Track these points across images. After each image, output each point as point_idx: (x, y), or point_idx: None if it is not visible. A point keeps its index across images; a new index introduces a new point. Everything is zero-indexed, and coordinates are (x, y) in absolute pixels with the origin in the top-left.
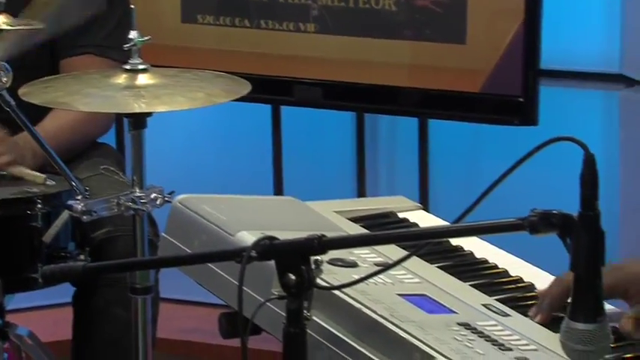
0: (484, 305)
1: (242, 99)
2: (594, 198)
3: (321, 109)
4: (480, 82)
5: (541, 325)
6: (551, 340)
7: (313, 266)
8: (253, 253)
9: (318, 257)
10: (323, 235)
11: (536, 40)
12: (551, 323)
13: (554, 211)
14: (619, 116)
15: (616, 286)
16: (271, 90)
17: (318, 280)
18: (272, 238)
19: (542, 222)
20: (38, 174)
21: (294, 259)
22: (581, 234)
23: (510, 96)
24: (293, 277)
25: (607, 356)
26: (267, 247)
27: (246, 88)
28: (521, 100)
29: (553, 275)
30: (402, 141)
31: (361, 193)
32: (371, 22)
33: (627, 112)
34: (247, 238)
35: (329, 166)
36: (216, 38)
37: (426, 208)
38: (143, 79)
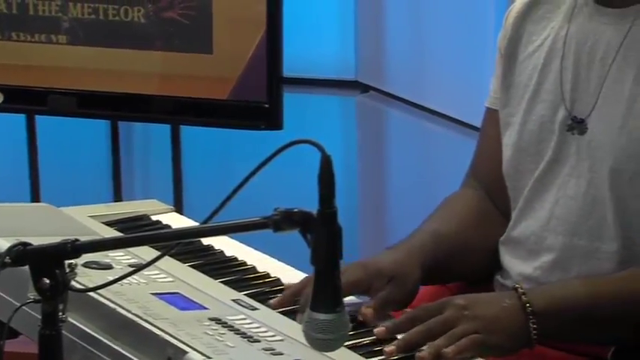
0: (234, 300)
1: None
2: (331, 196)
3: (76, 117)
4: (227, 89)
5: (286, 316)
6: (296, 330)
7: (67, 270)
8: (7, 259)
9: (72, 261)
10: (76, 240)
11: (279, 49)
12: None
13: (295, 210)
14: (356, 120)
15: (360, 282)
16: (25, 100)
17: (73, 283)
18: (26, 244)
19: (284, 220)
20: None
21: (48, 263)
22: (320, 230)
23: (256, 102)
24: (47, 280)
25: (346, 343)
26: (21, 253)
27: None
28: (266, 105)
29: (297, 270)
30: (156, 146)
31: (117, 197)
32: (121, 33)
33: (363, 117)
34: (1, 244)
35: (86, 173)
36: None
37: (180, 211)
38: None
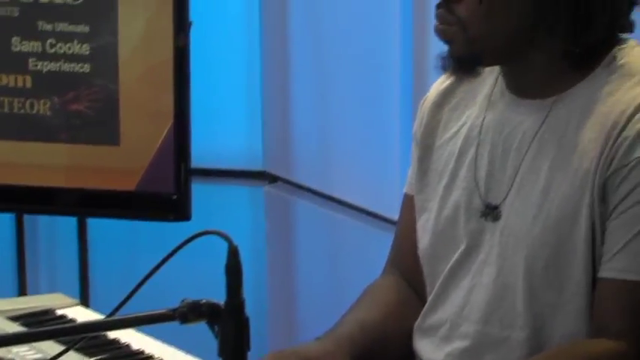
0: None
1: None
2: (239, 286)
3: None
4: (135, 180)
5: None
6: None
7: None
8: None
9: None
10: None
11: (186, 141)
12: None
13: (202, 301)
14: (264, 210)
15: None
16: None
17: None
18: None
19: (191, 311)
20: None
21: None
22: (227, 321)
23: (164, 193)
24: None
25: None
26: None
27: None
28: (174, 197)
29: None
30: (62, 239)
31: (22, 291)
32: (27, 126)
33: (271, 206)
34: None
35: None
36: None
37: (86, 304)
38: None
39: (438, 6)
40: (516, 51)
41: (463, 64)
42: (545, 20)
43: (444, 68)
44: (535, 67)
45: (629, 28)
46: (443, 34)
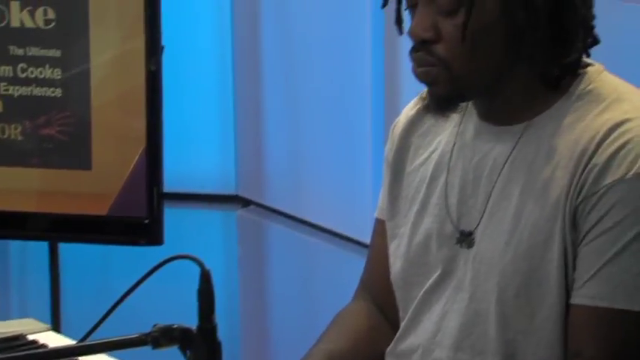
0: None
1: None
2: (211, 311)
3: None
4: (106, 205)
5: None
6: None
7: None
8: None
9: None
10: None
11: (159, 165)
12: None
13: (174, 326)
14: (237, 234)
15: None
16: None
17: None
18: None
19: (163, 336)
20: None
21: None
22: (199, 346)
23: (136, 218)
24: None
25: None
26: None
27: None
28: (146, 221)
29: None
30: (33, 264)
31: None
32: None
33: (244, 230)
34: None
35: None
36: None
37: (58, 329)
38: None
39: (414, 49)
40: (498, 82)
41: (446, 102)
42: (526, 47)
43: (426, 109)
44: (512, 95)
45: (594, 44)
46: (424, 75)
